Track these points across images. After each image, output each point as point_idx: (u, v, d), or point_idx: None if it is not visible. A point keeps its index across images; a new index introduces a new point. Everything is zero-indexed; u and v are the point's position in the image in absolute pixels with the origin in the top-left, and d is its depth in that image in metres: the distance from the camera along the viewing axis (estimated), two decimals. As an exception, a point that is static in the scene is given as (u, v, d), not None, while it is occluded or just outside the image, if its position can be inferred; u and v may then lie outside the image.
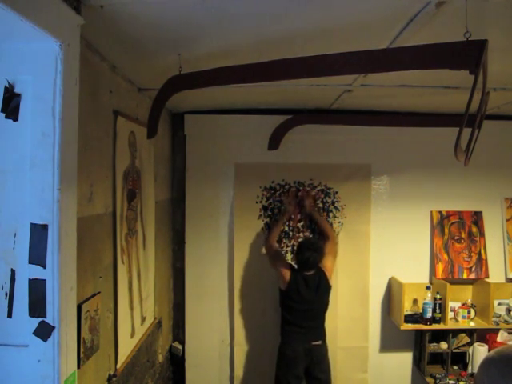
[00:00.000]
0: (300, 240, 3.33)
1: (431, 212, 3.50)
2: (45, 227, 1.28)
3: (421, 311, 3.28)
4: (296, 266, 3.08)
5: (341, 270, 3.39)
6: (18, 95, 1.30)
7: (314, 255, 2.96)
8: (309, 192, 3.42)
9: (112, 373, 2.07)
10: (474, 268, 3.41)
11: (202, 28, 1.64)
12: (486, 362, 1.11)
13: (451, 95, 2.56)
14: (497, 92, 2.49)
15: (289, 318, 3.03)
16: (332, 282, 3.10)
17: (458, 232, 3.47)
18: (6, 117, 1.30)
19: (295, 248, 3.26)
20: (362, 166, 3.46)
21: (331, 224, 3.44)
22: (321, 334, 3.06)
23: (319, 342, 3.03)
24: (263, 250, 3.38)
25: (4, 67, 1.30)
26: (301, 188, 3.43)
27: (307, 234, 3.43)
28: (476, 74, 1.24)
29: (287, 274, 3.03)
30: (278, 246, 3.35)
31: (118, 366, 2.15)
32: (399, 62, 1.44)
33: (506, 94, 2.64)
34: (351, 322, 3.45)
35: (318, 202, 3.45)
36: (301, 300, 2.98)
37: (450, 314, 3.28)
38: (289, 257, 3.43)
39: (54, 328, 1.29)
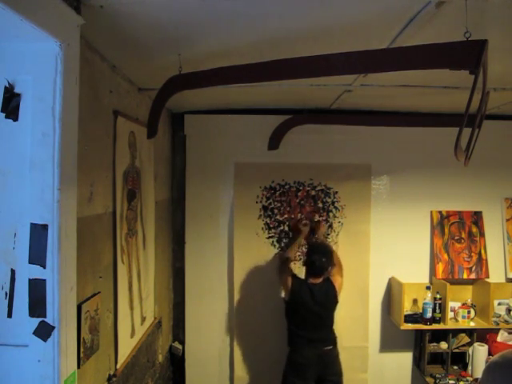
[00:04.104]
0: (310, 243, 3.29)
1: (431, 212, 3.50)
2: (45, 227, 1.28)
3: (421, 311, 3.28)
4: (304, 272, 3.02)
5: (341, 269, 3.39)
6: (18, 95, 1.30)
7: (322, 259, 2.91)
8: (320, 222, 3.38)
9: (112, 373, 2.07)
10: (474, 268, 3.41)
11: (202, 28, 1.64)
12: (491, 366, 1.11)
13: (451, 95, 2.56)
14: (497, 92, 2.49)
15: (295, 331, 2.96)
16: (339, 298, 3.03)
17: (458, 232, 3.47)
18: (6, 117, 1.29)
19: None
20: (361, 166, 3.46)
21: (331, 224, 3.44)
22: (331, 340, 3.01)
23: (330, 347, 2.98)
24: (272, 260, 3.33)
25: (4, 67, 1.30)
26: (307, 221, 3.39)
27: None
28: (476, 74, 1.24)
29: (289, 280, 2.96)
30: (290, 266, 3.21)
31: (118, 365, 2.15)
32: (399, 62, 1.44)
33: (506, 94, 2.64)
34: (351, 321, 3.45)
35: (318, 201, 3.45)
36: (305, 310, 2.91)
37: (450, 314, 3.28)
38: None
39: (54, 328, 1.29)
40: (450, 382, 3.20)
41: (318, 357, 2.93)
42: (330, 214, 3.45)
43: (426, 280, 3.48)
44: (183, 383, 3.51)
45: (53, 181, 1.29)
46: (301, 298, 2.92)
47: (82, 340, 1.67)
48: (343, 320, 3.42)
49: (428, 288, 3.26)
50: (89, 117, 1.76)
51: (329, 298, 2.96)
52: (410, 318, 3.28)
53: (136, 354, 2.45)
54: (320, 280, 2.95)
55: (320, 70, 1.60)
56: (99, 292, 1.89)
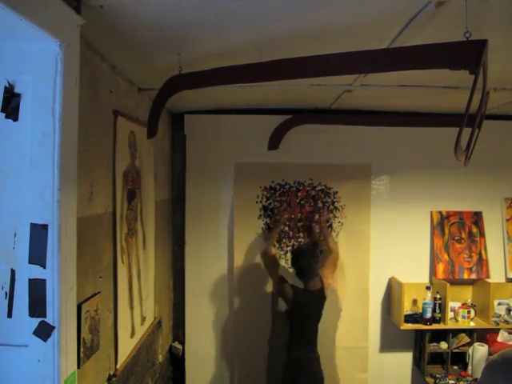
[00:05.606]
0: (295, 247, 3.30)
1: (431, 212, 3.50)
2: (45, 227, 1.28)
3: (421, 311, 3.28)
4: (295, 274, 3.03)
5: (341, 270, 3.38)
6: (18, 95, 1.30)
7: (310, 263, 2.90)
8: (325, 213, 3.40)
9: (112, 373, 2.07)
10: (474, 268, 3.41)
11: (202, 28, 1.64)
12: (490, 366, 1.11)
13: (451, 95, 2.56)
14: (497, 92, 2.49)
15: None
16: (327, 292, 3.04)
17: (458, 232, 3.47)
18: (6, 117, 1.30)
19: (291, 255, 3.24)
20: (361, 166, 3.46)
21: (331, 224, 3.44)
22: (312, 346, 2.97)
23: (312, 353, 2.94)
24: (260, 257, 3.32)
25: (4, 67, 1.30)
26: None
27: (305, 234, 3.44)
28: (476, 74, 1.24)
29: (288, 291, 2.92)
30: (273, 254, 3.20)
31: (118, 365, 2.15)
32: (399, 62, 1.45)
33: (506, 94, 2.64)
34: (351, 321, 3.45)
35: (318, 201, 3.45)
36: (304, 318, 2.91)
37: (450, 314, 3.28)
38: (288, 256, 3.43)
39: (54, 328, 1.29)
40: (450, 382, 3.20)
41: (298, 360, 2.90)
42: (330, 214, 3.45)
43: (426, 280, 3.48)
44: (183, 383, 3.51)
45: (53, 181, 1.29)
46: (300, 307, 2.91)
47: (82, 340, 1.67)
48: (343, 320, 3.43)
49: (428, 288, 3.26)
50: (89, 117, 1.76)
51: (320, 297, 2.97)
52: (409, 318, 3.28)
53: (136, 353, 2.45)
54: (314, 281, 2.94)
55: (320, 70, 1.60)
56: (99, 292, 1.89)
